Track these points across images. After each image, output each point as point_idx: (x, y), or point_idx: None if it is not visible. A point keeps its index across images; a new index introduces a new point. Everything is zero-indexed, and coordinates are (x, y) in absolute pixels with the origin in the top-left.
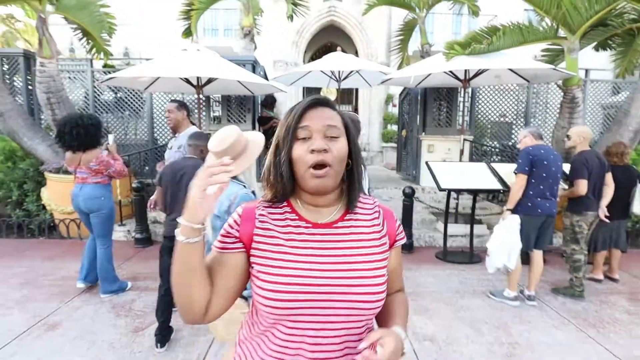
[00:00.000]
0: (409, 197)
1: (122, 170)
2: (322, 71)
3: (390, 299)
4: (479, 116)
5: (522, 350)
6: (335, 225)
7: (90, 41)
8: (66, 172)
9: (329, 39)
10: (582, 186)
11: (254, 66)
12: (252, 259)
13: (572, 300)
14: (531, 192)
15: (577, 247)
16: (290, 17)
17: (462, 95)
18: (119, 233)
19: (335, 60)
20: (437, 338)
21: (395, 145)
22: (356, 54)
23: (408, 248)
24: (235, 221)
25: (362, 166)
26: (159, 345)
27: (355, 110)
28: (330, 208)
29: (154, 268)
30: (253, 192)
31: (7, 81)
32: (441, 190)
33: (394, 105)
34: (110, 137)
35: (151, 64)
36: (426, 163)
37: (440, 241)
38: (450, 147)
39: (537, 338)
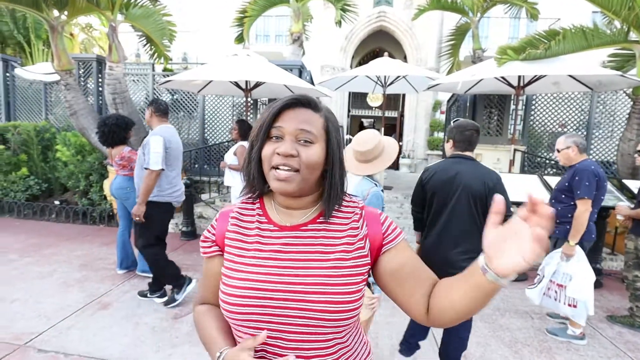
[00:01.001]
0: None
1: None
2: (367, 76)
3: (440, 286)
4: (535, 125)
5: None
6: (303, 227)
7: (152, 47)
8: None
9: (377, 45)
10: None
11: (301, 71)
12: (224, 262)
13: (630, 332)
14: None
15: None
16: (339, 23)
17: (514, 102)
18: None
19: (382, 65)
20: (470, 355)
21: (440, 153)
22: (405, 59)
23: None
24: (212, 226)
25: (341, 173)
26: None
27: (402, 116)
28: (302, 211)
29: (197, 260)
30: (382, 190)
31: (82, 83)
32: None
33: (442, 112)
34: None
35: (204, 68)
36: None
37: None
38: (500, 157)
39: None
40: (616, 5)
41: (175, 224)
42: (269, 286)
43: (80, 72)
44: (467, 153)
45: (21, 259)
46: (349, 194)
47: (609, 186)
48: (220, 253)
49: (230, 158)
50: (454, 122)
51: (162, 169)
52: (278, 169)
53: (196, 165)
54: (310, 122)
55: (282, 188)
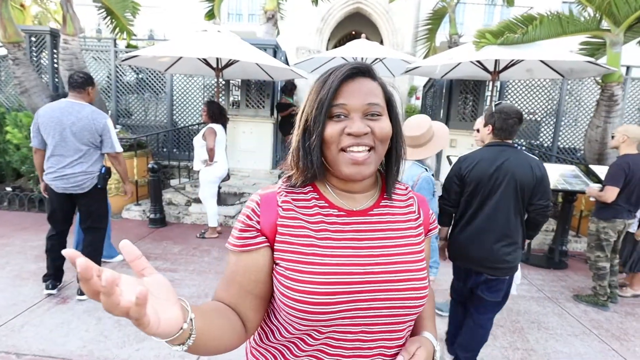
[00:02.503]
0: None
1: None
2: (344, 58)
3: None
4: None
5: (537, 358)
6: (370, 212)
7: (113, 20)
8: None
9: (354, 27)
10: (611, 193)
11: (275, 51)
12: (277, 255)
13: (594, 310)
14: None
15: (602, 254)
16: (315, 2)
17: (490, 89)
18: (134, 212)
19: (359, 48)
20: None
21: None
22: (381, 43)
23: None
24: (253, 210)
25: (402, 149)
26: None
27: None
28: (365, 194)
29: (166, 249)
30: (432, 175)
31: (34, 59)
32: None
33: (417, 98)
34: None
35: (171, 44)
36: (447, 157)
37: None
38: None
39: (555, 347)
40: None
41: (142, 211)
42: (355, 277)
43: (32, 46)
44: (509, 141)
45: None
46: None
47: (577, 171)
48: (268, 245)
49: (198, 141)
50: (495, 105)
51: (37, 148)
52: (351, 151)
53: (164, 149)
54: (374, 93)
55: (360, 173)
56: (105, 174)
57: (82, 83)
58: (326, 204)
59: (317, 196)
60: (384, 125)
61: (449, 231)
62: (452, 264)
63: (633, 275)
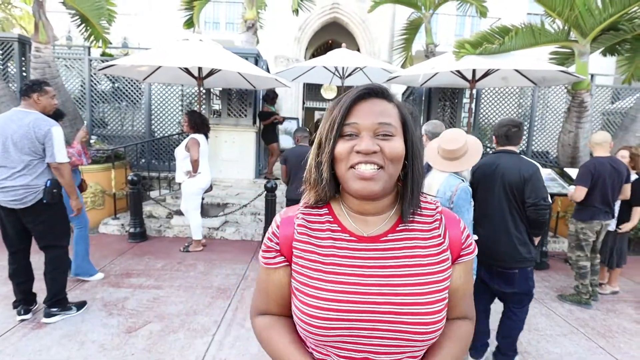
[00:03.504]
0: None
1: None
2: (325, 67)
3: (445, 330)
4: (482, 119)
5: None
6: (383, 238)
7: (88, 28)
8: None
9: (331, 36)
10: (580, 192)
11: (257, 60)
12: (293, 274)
13: (579, 308)
14: None
15: (582, 253)
16: (296, 11)
17: (467, 96)
18: (112, 227)
19: (340, 57)
20: None
21: None
22: (358, 51)
23: None
24: (274, 233)
25: (422, 168)
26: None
27: None
28: (380, 216)
29: (149, 265)
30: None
31: (1, 67)
32: None
33: None
34: (82, 131)
35: (151, 53)
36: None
37: None
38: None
39: (547, 347)
40: (559, 5)
41: (121, 225)
42: (356, 306)
43: None
44: (508, 147)
45: None
46: (424, 194)
47: (553, 174)
48: (287, 264)
49: (181, 152)
50: (498, 122)
51: None
52: (359, 167)
53: (143, 160)
54: (387, 113)
55: (366, 189)
56: (52, 188)
57: (27, 90)
58: (339, 228)
59: (332, 219)
60: (395, 145)
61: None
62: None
63: (611, 272)
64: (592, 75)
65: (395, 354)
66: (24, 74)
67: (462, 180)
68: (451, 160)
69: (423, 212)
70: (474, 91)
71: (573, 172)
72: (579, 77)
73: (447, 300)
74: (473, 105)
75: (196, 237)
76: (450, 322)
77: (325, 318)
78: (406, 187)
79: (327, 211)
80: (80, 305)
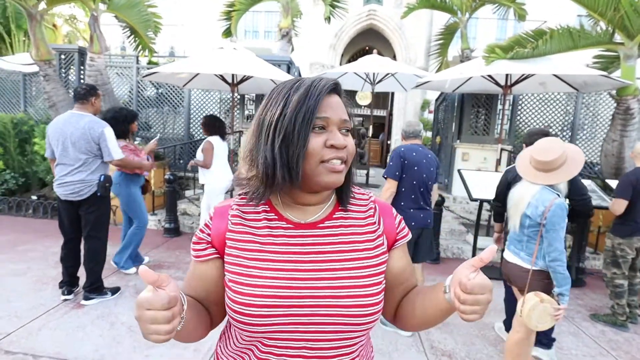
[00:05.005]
0: (438, 206)
1: (130, 161)
2: (356, 73)
3: (412, 294)
4: (520, 126)
5: None
6: (320, 225)
7: (137, 39)
8: None
9: (367, 43)
10: (619, 206)
11: (289, 67)
12: (226, 266)
13: (613, 330)
14: (402, 203)
15: (619, 271)
16: (328, 19)
17: (502, 102)
18: (150, 222)
19: (371, 63)
20: (456, 355)
21: None
22: (394, 58)
23: (434, 258)
24: (206, 224)
25: (355, 160)
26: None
27: (390, 115)
28: (317, 206)
29: (179, 258)
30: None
31: (63, 75)
32: (472, 200)
33: (430, 112)
34: (153, 143)
35: (189, 61)
36: (458, 171)
37: (469, 254)
38: (487, 156)
39: None
40: (602, 6)
41: (157, 221)
42: (294, 292)
43: (62, 63)
44: None
45: None
46: (357, 187)
47: (593, 185)
48: (218, 256)
49: (199, 154)
50: (527, 131)
51: (50, 158)
52: (332, 161)
53: (181, 161)
54: (345, 111)
55: (336, 182)
56: (105, 182)
57: (84, 94)
58: (275, 217)
59: (268, 209)
60: (352, 142)
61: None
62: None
63: None
64: None
65: (333, 341)
66: (82, 80)
67: (558, 194)
68: (545, 172)
69: (357, 201)
70: (510, 97)
71: (616, 184)
72: (624, 82)
73: (383, 285)
74: (508, 112)
75: None
76: (411, 290)
77: (263, 305)
78: (347, 178)
79: (264, 202)
80: (115, 290)
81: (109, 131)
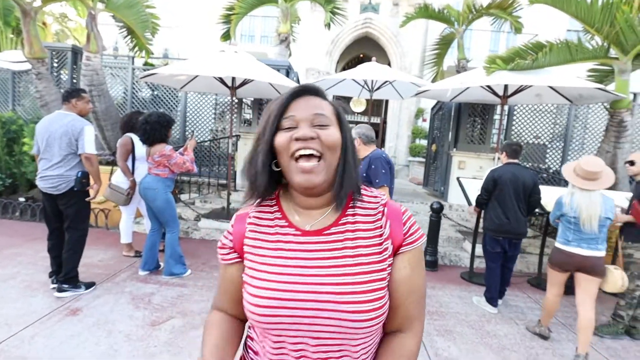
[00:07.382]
0: (436, 213)
1: (182, 164)
2: (354, 80)
3: (385, 347)
4: (515, 135)
5: None
6: (326, 232)
7: (133, 39)
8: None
9: (362, 50)
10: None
11: (288, 71)
12: (245, 269)
13: (611, 339)
14: None
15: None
16: (328, 26)
17: (498, 112)
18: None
19: (369, 70)
20: None
21: (422, 159)
22: (389, 65)
23: (432, 265)
24: (228, 231)
25: (355, 159)
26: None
27: (384, 122)
28: (321, 210)
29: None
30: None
31: (55, 74)
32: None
33: (424, 120)
34: (193, 140)
35: (189, 63)
36: (457, 179)
37: (466, 261)
38: (482, 165)
39: None
40: (598, 22)
41: None
42: (297, 296)
43: (54, 62)
44: (514, 160)
45: None
46: (370, 188)
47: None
48: (240, 260)
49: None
50: (505, 143)
51: (35, 154)
52: (300, 159)
53: None
54: (321, 107)
55: (308, 181)
56: (82, 178)
57: (66, 96)
58: (286, 223)
59: (280, 215)
60: (331, 133)
61: (487, 215)
62: (490, 238)
63: None
64: (634, 94)
65: (335, 345)
66: (74, 80)
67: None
68: (589, 180)
69: (367, 204)
70: (506, 107)
71: (610, 195)
72: (619, 96)
73: (387, 290)
74: (504, 122)
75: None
76: (392, 338)
77: (269, 306)
78: (337, 174)
79: (277, 208)
80: (89, 285)
81: (89, 129)
